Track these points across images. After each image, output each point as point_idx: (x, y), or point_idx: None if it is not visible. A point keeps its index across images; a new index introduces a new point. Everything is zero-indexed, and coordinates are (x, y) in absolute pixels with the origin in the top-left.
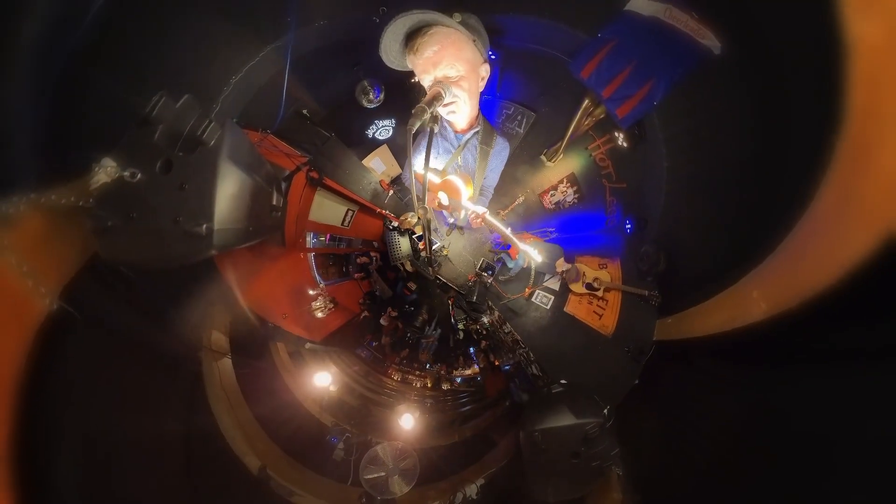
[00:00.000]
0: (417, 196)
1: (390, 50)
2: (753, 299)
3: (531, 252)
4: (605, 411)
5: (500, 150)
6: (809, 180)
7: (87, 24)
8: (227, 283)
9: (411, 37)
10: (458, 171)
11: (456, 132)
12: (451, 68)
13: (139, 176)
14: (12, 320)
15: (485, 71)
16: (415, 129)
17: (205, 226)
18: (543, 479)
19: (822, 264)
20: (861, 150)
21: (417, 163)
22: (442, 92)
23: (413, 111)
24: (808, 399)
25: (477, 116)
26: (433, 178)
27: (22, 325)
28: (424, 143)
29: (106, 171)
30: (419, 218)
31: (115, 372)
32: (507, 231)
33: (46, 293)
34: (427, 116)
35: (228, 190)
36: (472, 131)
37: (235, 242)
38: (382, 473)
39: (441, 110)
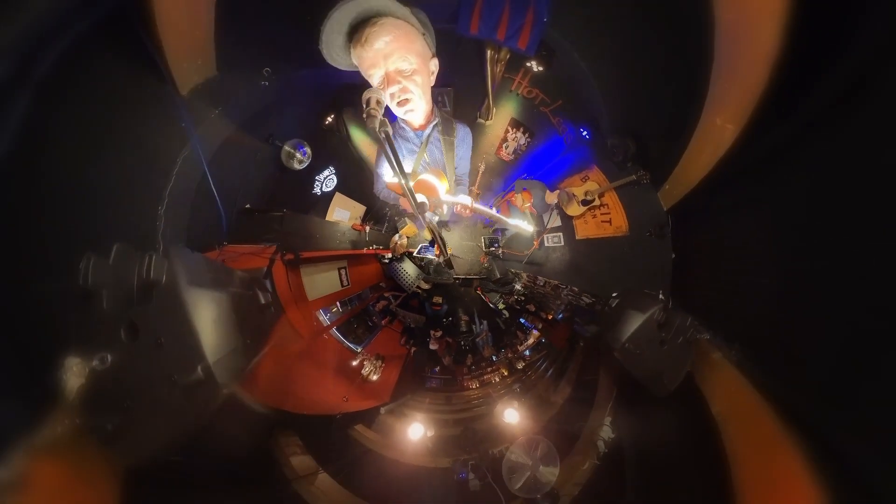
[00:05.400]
0: (411, 203)
1: (333, 44)
2: (720, 126)
3: (522, 224)
4: (661, 295)
5: (464, 137)
6: (706, 5)
7: None
8: (270, 405)
9: (357, 28)
10: (429, 169)
11: (415, 130)
12: (403, 61)
13: (109, 358)
14: None
15: (434, 66)
16: (377, 128)
17: (199, 367)
18: (655, 377)
19: (754, 64)
20: None
21: (396, 167)
22: (381, 98)
23: (364, 115)
24: (839, 161)
25: (432, 110)
26: None
27: None
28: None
29: (74, 372)
30: (422, 228)
31: None
32: (494, 212)
33: None
34: (377, 121)
35: (207, 316)
36: (431, 125)
37: (242, 364)
38: (528, 473)
39: (397, 111)
